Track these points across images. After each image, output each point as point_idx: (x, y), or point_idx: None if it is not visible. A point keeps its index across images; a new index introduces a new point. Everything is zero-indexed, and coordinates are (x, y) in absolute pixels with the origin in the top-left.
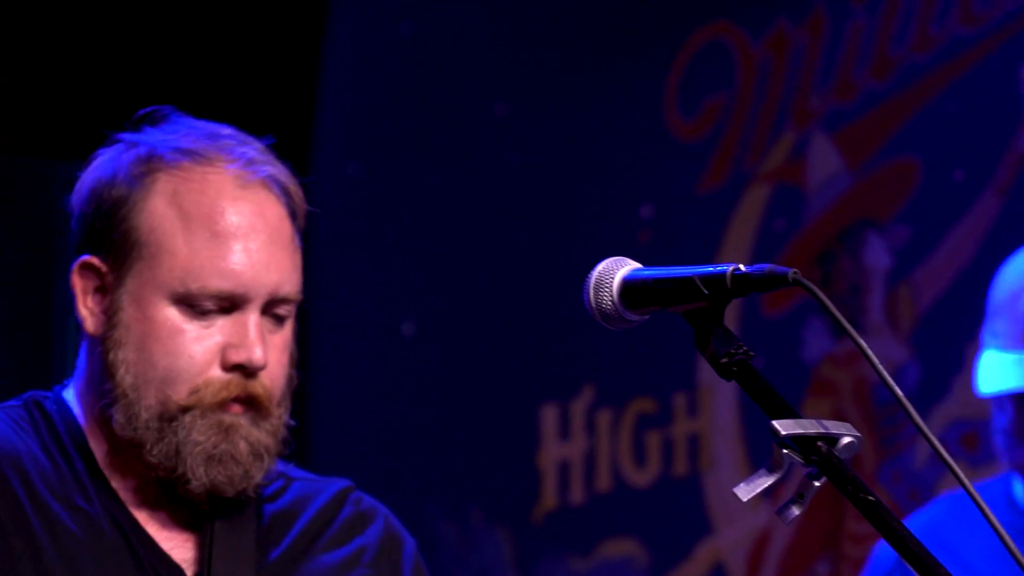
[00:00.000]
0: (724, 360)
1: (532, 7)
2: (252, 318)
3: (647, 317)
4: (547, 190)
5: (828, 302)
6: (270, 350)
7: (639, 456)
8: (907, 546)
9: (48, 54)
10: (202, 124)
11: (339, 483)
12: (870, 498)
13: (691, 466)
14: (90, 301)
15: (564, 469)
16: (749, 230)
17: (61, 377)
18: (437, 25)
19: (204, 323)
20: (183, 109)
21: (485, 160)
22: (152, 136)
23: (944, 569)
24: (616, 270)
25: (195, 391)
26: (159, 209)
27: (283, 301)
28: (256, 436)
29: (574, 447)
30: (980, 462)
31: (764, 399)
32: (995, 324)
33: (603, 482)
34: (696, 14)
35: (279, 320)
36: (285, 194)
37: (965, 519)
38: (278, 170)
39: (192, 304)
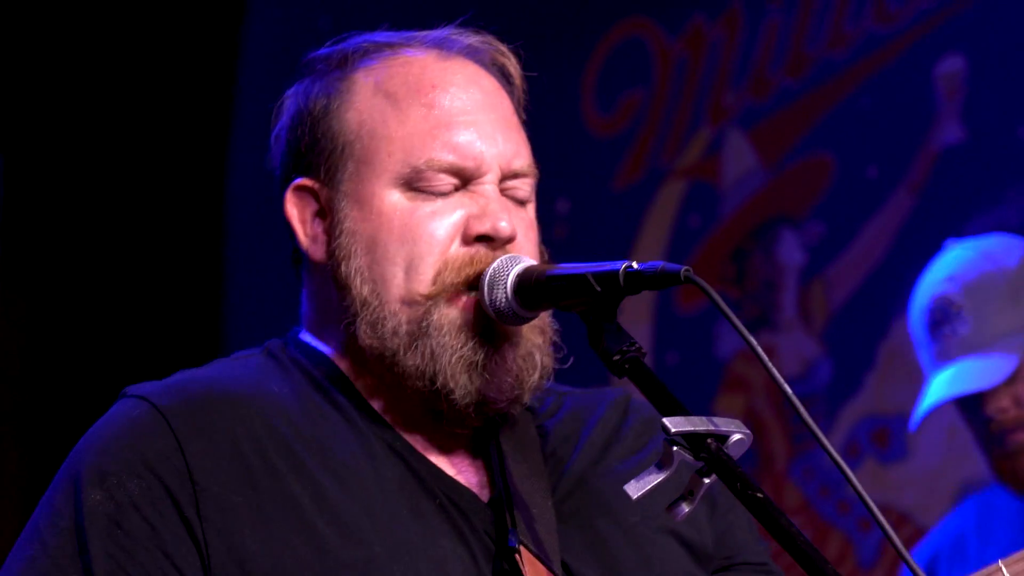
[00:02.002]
0: (616, 357)
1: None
2: (491, 188)
3: (539, 314)
4: None
5: (718, 299)
6: (517, 224)
7: None
8: (794, 543)
9: None
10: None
11: (614, 392)
12: (758, 495)
13: None
14: (310, 227)
15: None
16: (664, 226)
17: None
18: (355, 19)
19: (437, 202)
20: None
21: None
22: (335, 49)
23: (832, 569)
24: (511, 267)
25: (438, 274)
26: (364, 101)
27: (517, 175)
28: (522, 334)
29: None
30: (891, 458)
31: (656, 396)
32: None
33: None
34: (613, 10)
35: (519, 203)
36: (493, 64)
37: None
38: (479, 40)
39: (420, 186)
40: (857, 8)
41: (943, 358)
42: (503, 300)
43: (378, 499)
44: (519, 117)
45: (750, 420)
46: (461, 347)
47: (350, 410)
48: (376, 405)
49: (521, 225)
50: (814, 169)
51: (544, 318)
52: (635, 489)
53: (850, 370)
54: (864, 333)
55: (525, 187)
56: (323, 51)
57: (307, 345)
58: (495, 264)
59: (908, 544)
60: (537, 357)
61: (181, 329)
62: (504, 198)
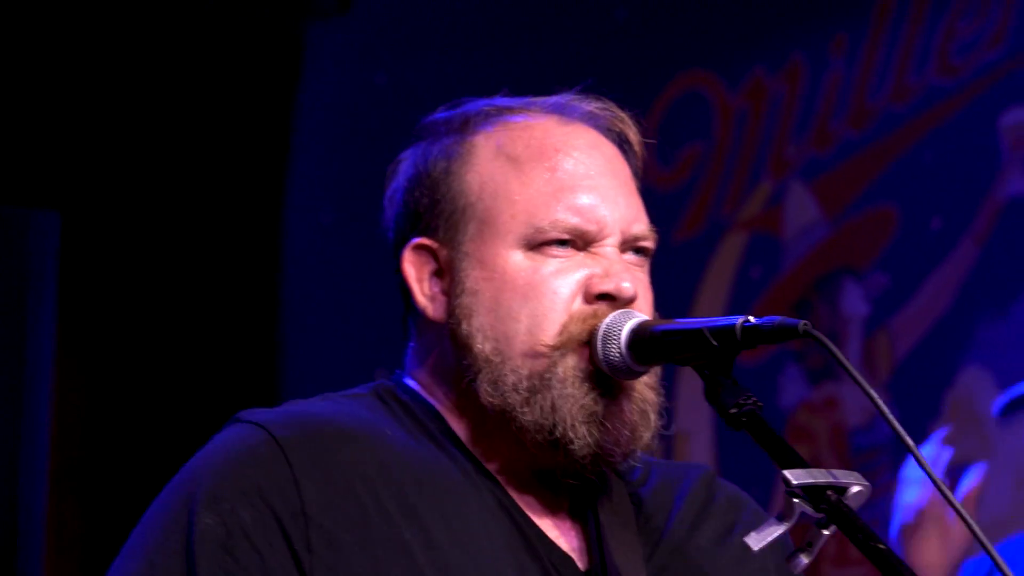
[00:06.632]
0: (734, 411)
1: (505, 56)
2: (612, 250)
3: (653, 368)
4: None
5: (838, 352)
6: (637, 285)
7: None
8: None
9: (20, 102)
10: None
11: (699, 467)
12: (880, 546)
13: None
14: (428, 286)
15: None
16: (725, 278)
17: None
18: (411, 76)
19: (560, 261)
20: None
21: None
22: (455, 113)
23: None
24: (624, 322)
25: (564, 327)
26: (485, 164)
27: (637, 240)
28: (637, 390)
29: None
30: None
31: (774, 448)
32: None
33: None
34: (674, 63)
35: (638, 265)
36: (612, 130)
37: None
38: (599, 106)
39: (543, 245)
40: (920, 61)
41: None
42: (616, 354)
43: (487, 553)
44: (637, 182)
45: None
46: (583, 397)
47: (463, 462)
48: (483, 460)
49: (640, 286)
50: (877, 220)
51: (656, 379)
52: (756, 541)
53: (915, 421)
54: (929, 384)
55: (643, 253)
56: (442, 115)
57: (416, 393)
58: (608, 319)
59: None
60: (651, 415)
61: (239, 386)
62: (624, 259)
